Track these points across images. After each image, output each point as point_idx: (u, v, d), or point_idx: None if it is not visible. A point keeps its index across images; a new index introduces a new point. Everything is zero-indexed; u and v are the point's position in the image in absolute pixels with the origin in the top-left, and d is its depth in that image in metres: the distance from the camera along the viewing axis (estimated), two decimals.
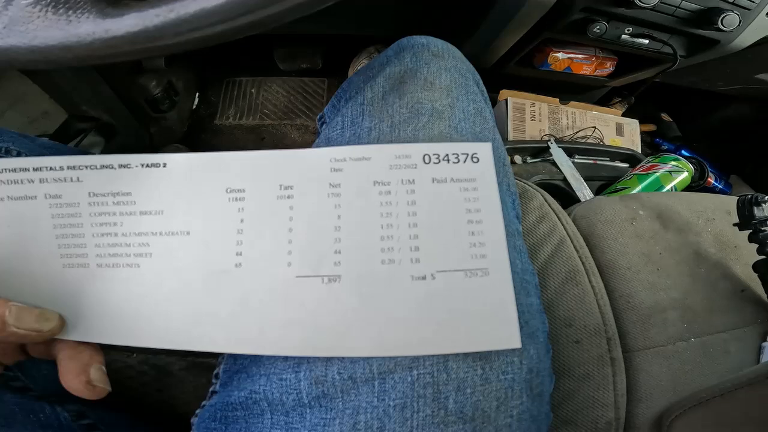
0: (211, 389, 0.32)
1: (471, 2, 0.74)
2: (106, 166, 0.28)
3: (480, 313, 0.25)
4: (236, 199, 0.27)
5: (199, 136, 1.08)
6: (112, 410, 0.42)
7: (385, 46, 0.40)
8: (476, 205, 0.27)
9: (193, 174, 0.28)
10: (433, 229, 0.27)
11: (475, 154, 0.28)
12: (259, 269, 0.26)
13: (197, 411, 0.32)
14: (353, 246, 0.26)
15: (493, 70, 0.87)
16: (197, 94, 1.11)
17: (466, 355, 0.25)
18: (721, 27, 0.62)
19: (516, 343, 0.25)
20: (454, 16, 0.81)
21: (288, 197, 0.27)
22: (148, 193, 0.27)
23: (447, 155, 0.28)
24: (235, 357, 0.31)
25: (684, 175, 0.76)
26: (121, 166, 0.28)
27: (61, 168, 0.27)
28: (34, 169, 0.27)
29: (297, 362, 0.26)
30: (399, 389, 0.24)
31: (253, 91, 1.13)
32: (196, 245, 0.27)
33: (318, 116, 0.44)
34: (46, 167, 0.27)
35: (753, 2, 0.63)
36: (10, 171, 0.27)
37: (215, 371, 0.33)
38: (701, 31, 0.67)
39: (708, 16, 0.63)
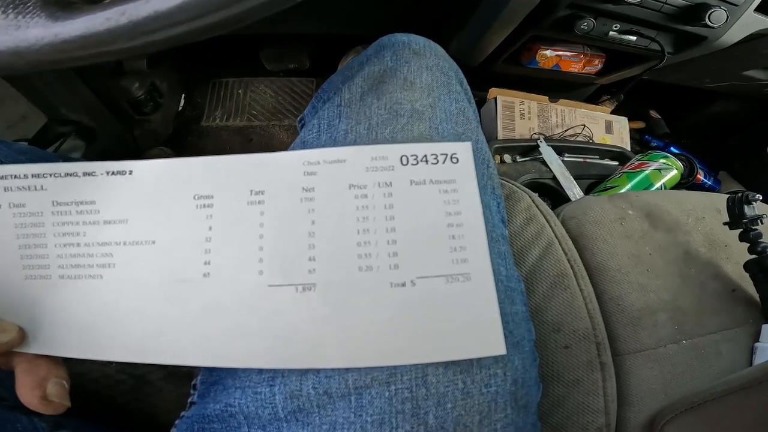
0: (189, 400, 0.31)
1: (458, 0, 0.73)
2: (71, 174, 0.26)
3: (462, 319, 0.24)
4: (204, 206, 0.26)
5: (185, 139, 1.06)
6: (90, 420, 0.41)
7: None
8: (456, 208, 0.26)
9: (160, 181, 0.27)
10: (412, 234, 0.25)
11: (455, 154, 0.27)
12: (228, 278, 0.25)
13: (176, 422, 0.31)
14: (328, 253, 0.25)
15: (481, 69, 0.86)
16: (183, 95, 1.09)
17: (446, 368, 0.24)
18: (709, 23, 0.62)
19: (501, 349, 0.24)
20: (441, 14, 0.81)
21: (259, 203, 0.26)
22: (112, 202, 0.26)
23: (425, 156, 0.27)
24: (211, 369, 0.30)
25: (673, 173, 0.76)
26: (85, 173, 0.27)
27: (25, 176, 0.26)
28: None
29: (272, 375, 0.25)
30: (376, 405, 0.23)
31: (240, 91, 1.12)
32: (161, 255, 0.26)
33: (298, 118, 0.43)
34: (11, 175, 0.26)
35: None
36: None
37: (193, 382, 0.32)
38: (689, 28, 0.66)
39: (695, 12, 0.62)
